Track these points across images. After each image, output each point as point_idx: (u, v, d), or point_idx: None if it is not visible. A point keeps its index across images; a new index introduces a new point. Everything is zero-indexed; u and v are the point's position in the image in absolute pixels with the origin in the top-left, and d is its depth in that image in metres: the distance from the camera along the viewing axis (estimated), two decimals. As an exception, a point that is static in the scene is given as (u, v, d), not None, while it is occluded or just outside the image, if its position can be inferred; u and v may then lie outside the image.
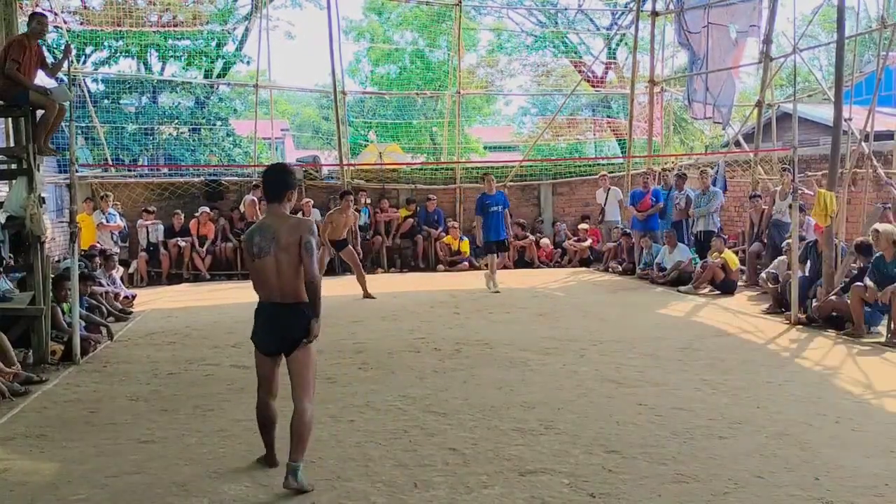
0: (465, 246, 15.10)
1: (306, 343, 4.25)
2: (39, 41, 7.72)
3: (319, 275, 4.28)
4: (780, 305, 9.52)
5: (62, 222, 12.81)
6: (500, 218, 11.90)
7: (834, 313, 8.50)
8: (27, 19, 7.85)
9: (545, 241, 15.56)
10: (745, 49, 14.19)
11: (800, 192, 9.08)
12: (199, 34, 19.80)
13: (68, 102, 7.82)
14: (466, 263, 14.82)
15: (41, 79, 7.84)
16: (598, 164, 17.35)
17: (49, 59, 8.07)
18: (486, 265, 12.27)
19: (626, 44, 22.51)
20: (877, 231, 8.22)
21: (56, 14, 14.35)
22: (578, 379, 6.45)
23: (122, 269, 12.38)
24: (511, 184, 15.93)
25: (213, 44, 20.53)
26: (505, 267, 14.11)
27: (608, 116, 22.51)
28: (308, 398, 4.26)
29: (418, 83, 22.72)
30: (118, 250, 12.80)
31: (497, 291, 11.53)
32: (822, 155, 11.95)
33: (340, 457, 4.66)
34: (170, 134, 19.84)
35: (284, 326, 4.26)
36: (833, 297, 8.49)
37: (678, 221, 12.89)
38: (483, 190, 12.19)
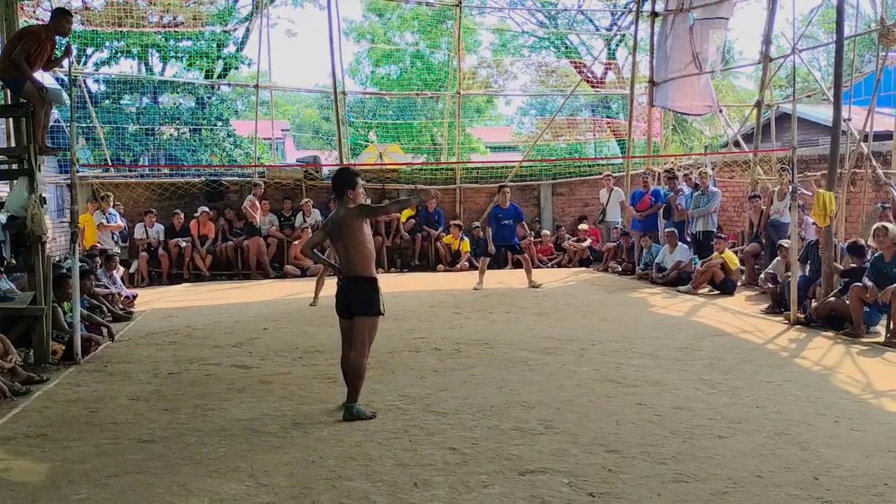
0: (466, 246, 15.11)
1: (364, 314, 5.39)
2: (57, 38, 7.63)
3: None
4: (779, 305, 9.53)
5: (63, 222, 12.82)
6: (511, 230, 12.40)
7: (832, 313, 8.51)
8: (52, 15, 7.68)
9: (545, 232, 15.73)
10: (711, 41, 14.14)
11: (798, 192, 9.08)
12: (200, 35, 19.82)
13: (62, 105, 7.76)
14: (466, 263, 14.83)
15: (37, 74, 7.79)
16: (598, 165, 17.36)
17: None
18: (480, 265, 12.46)
19: (625, 44, 22.54)
20: (885, 228, 8.13)
21: None
22: (578, 379, 6.46)
23: (122, 269, 12.39)
24: (511, 184, 15.92)
25: (214, 45, 20.56)
26: (502, 267, 14.15)
27: (608, 117, 22.52)
28: (358, 354, 5.40)
29: (419, 84, 22.73)
30: (119, 250, 12.82)
31: (535, 287, 11.92)
32: (822, 155, 11.96)
33: (340, 456, 4.67)
34: (170, 134, 19.88)
35: (346, 294, 5.49)
36: (831, 298, 8.50)
37: (678, 222, 12.90)
38: (497, 202, 12.38)
